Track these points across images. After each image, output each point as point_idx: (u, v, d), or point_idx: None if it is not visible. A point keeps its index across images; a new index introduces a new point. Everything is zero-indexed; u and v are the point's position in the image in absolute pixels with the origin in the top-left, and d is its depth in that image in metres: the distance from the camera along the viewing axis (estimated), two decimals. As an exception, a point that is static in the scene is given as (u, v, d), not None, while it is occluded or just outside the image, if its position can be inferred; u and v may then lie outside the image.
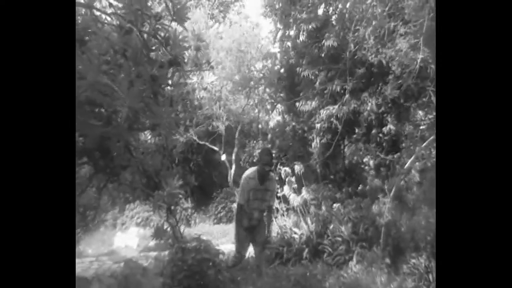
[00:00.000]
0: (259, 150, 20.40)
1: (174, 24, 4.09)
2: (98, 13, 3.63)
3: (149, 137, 4.97)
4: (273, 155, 7.28)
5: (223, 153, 20.05)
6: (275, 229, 10.80)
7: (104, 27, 3.69)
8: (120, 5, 3.71)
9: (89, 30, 3.50)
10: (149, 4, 3.89)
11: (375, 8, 8.11)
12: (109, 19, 3.73)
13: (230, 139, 20.23)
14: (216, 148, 20.24)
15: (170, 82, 4.29)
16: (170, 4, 3.89)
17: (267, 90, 18.41)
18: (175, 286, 6.49)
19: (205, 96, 19.27)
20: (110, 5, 3.73)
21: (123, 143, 4.00)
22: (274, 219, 9.60)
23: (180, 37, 4.01)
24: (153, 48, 4.03)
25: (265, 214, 7.84)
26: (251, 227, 7.80)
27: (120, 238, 15.50)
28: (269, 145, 18.35)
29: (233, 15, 26.66)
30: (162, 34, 3.97)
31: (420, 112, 12.02)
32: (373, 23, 8.24)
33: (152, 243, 12.81)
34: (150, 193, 4.36)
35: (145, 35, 3.90)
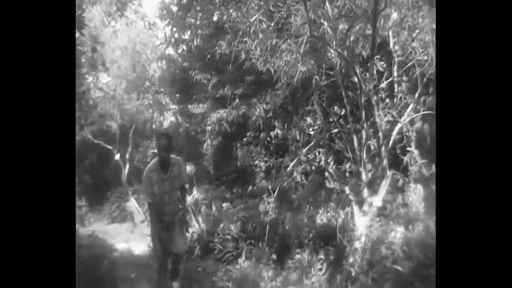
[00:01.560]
0: (153, 150, 20.63)
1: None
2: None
3: None
4: (172, 139, 6.39)
5: (117, 152, 20.05)
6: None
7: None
8: None
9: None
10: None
11: (261, 23, 8.79)
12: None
13: (124, 139, 20.26)
14: (110, 147, 20.22)
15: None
16: None
17: (161, 90, 18.69)
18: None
19: (100, 95, 19.25)
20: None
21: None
22: (187, 200, 8.63)
23: (78, 41, 4.34)
24: None
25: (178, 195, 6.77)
26: (165, 228, 6.74)
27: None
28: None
29: (130, 14, 26.43)
30: None
31: (308, 119, 12.62)
32: (260, 36, 8.90)
33: None
34: None
35: None
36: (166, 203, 6.61)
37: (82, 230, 10.57)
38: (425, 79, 8.73)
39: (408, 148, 8.93)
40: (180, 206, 6.90)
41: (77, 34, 4.46)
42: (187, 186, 7.35)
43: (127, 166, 19.99)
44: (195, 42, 15.29)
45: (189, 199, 12.17)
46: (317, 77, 10.26)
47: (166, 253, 6.83)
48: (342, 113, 10.90)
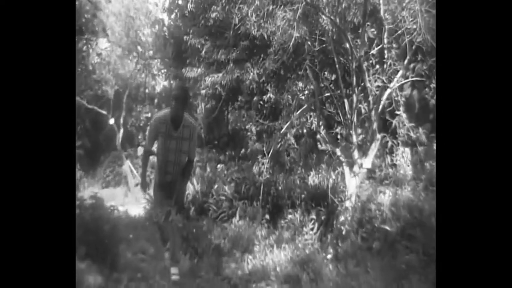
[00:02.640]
0: (146, 114, 20.78)
1: None
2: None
3: None
4: (189, 94, 6.19)
5: (112, 117, 20.20)
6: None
7: None
8: None
9: None
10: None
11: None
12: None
13: (118, 104, 20.39)
14: (104, 112, 20.37)
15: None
16: None
17: (155, 55, 18.86)
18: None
19: (98, 61, 19.39)
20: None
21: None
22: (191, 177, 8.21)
23: (85, 8, 4.60)
24: None
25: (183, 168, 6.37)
26: (165, 184, 6.39)
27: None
28: (156, 109, 18.78)
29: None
30: None
31: (300, 83, 12.85)
32: (256, 3, 9.20)
33: None
34: None
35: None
36: (169, 161, 6.20)
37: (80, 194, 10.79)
38: (414, 47, 8.95)
39: (397, 112, 9.22)
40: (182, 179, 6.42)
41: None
42: (195, 159, 6.81)
43: (121, 130, 20.14)
44: (188, 7, 15.44)
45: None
46: (309, 42, 10.52)
47: (165, 207, 6.28)
48: (333, 78, 11.21)
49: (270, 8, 9.46)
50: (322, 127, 10.74)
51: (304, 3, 8.65)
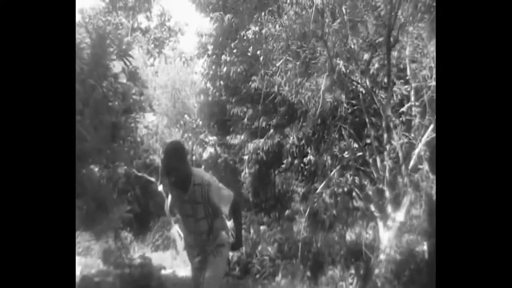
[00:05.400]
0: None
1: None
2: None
3: (96, 169, 5.97)
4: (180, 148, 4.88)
5: (160, 183, 20.72)
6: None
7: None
8: (85, 67, 4.89)
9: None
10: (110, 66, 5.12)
11: (288, 63, 9.91)
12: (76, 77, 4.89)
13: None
14: (153, 179, 21.07)
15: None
16: (126, 68, 5.11)
17: (200, 123, 19.68)
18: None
19: (145, 133, 20.27)
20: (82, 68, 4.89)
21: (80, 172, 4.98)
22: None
23: (132, 91, 5.25)
24: (111, 99, 5.22)
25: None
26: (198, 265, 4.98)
27: (61, 267, 15.85)
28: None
29: (168, 51, 27.39)
30: (119, 89, 5.17)
31: (341, 144, 13.26)
32: (288, 74, 10.00)
33: (93, 270, 13.44)
34: (104, 215, 5.41)
35: (105, 90, 5.09)
36: (191, 231, 4.93)
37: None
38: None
39: (420, 166, 9.46)
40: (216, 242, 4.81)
41: (124, 80, 5.23)
42: (224, 214, 4.78)
43: (169, 196, 20.62)
44: (230, 77, 16.24)
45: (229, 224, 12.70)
46: (344, 104, 11.08)
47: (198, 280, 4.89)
48: (367, 135, 11.65)
49: (298, 80, 10.17)
50: (358, 184, 11.13)
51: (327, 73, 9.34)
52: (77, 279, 14.47)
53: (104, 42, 4.90)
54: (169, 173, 4.63)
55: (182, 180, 4.61)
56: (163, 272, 8.82)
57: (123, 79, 5.19)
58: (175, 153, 4.63)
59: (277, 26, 11.05)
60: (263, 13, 11.48)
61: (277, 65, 10.41)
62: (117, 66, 5.44)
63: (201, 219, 4.70)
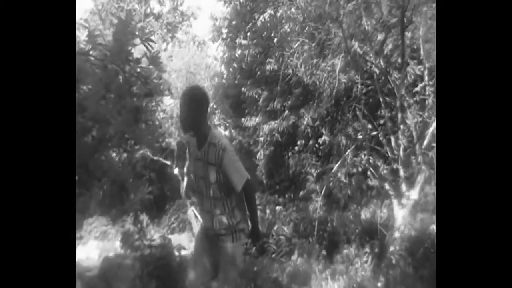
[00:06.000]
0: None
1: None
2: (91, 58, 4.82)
3: (114, 154, 6.12)
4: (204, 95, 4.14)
5: (176, 167, 21.03)
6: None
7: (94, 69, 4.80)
8: (108, 53, 5.03)
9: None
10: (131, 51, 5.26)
11: (303, 45, 10.04)
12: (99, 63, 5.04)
13: (181, 154, 21.15)
14: (168, 163, 21.32)
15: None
16: (148, 53, 5.25)
17: (215, 106, 19.82)
18: (145, 276, 7.43)
19: (163, 116, 20.41)
20: (105, 55, 5.03)
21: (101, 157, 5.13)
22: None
23: (153, 75, 5.39)
24: (132, 84, 5.37)
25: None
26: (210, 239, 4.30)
27: (80, 251, 15.91)
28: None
29: (181, 35, 27.42)
30: (141, 73, 5.30)
31: (355, 125, 13.38)
32: (304, 55, 10.10)
33: (111, 254, 13.44)
34: (124, 197, 5.56)
35: (127, 75, 5.23)
36: (204, 195, 4.17)
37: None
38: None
39: (433, 144, 9.54)
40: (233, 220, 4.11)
41: (145, 64, 5.36)
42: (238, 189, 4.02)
43: (185, 179, 20.88)
44: (245, 60, 16.36)
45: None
46: (359, 85, 11.21)
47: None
48: (381, 116, 11.78)
49: (314, 61, 10.29)
50: (373, 163, 11.28)
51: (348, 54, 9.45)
52: (98, 261, 14.71)
53: (127, 28, 5.04)
54: (186, 128, 4.15)
55: (202, 134, 4.01)
56: (183, 252, 8.94)
57: (144, 64, 5.32)
58: (195, 102, 3.99)
59: (292, 9, 11.18)
60: (278, -4, 11.63)
61: (294, 46, 10.53)
62: (137, 51, 5.57)
63: (213, 184, 4.02)
